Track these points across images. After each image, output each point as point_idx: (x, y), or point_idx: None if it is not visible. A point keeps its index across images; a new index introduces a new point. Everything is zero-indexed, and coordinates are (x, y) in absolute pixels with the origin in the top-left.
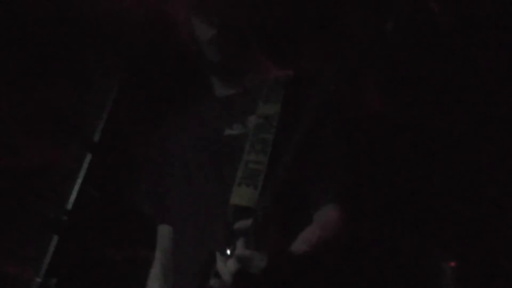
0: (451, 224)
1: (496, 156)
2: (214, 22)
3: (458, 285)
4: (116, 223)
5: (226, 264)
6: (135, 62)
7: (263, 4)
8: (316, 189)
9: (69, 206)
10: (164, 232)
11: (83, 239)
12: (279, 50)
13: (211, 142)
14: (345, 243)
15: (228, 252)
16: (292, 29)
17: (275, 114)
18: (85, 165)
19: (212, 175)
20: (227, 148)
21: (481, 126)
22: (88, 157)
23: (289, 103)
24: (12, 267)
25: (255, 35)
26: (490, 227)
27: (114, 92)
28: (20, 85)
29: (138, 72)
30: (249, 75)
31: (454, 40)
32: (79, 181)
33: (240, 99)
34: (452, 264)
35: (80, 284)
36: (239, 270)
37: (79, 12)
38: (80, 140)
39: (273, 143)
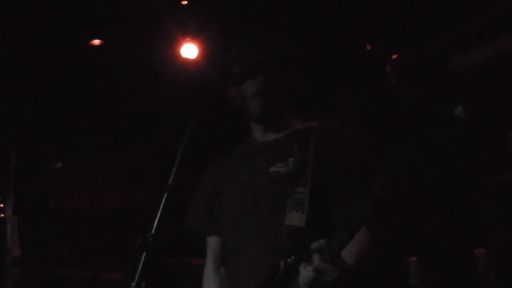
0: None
1: None
2: (257, 80)
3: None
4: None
5: (306, 272)
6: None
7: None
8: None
9: (153, 231)
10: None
11: (161, 254)
12: (307, 107)
13: (260, 176)
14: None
15: (289, 261)
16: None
17: (309, 158)
18: (163, 201)
19: (259, 202)
20: (277, 181)
21: None
22: (165, 195)
23: (319, 149)
24: (117, 275)
25: (291, 95)
26: None
27: (184, 145)
28: (115, 150)
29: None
30: (285, 125)
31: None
32: (159, 212)
33: (279, 145)
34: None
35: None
36: (315, 278)
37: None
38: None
39: (311, 178)
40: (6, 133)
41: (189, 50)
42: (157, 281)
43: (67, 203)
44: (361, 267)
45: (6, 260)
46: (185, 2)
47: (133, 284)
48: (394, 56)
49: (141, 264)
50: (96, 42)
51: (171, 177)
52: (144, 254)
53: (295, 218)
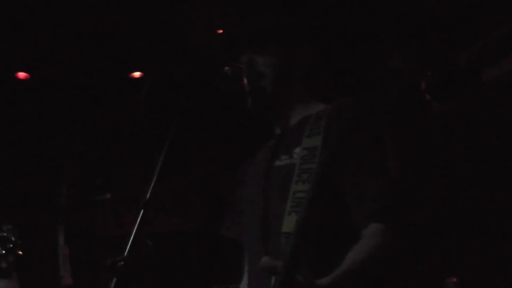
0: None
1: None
2: (266, 57)
3: None
4: None
5: None
6: None
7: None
8: (361, 210)
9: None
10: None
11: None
12: (319, 89)
13: (265, 172)
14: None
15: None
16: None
17: (318, 146)
18: (139, 219)
19: (265, 204)
20: (278, 177)
21: None
22: (141, 212)
23: (329, 134)
24: None
25: (301, 80)
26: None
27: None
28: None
29: None
30: (294, 114)
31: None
32: (134, 231)
33: (288, 134)
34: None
35: None
36: None
37: None
38: None
39: (316, 172)
40: (57, 166)
41: None
42: None
43: (116, 231)
44: (355, 282)
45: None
46: None
47: None
48: (429, 72)
49: None
50: (137, 74)
51: (149, 192)
52: (114, 279)
53: (290, 223)
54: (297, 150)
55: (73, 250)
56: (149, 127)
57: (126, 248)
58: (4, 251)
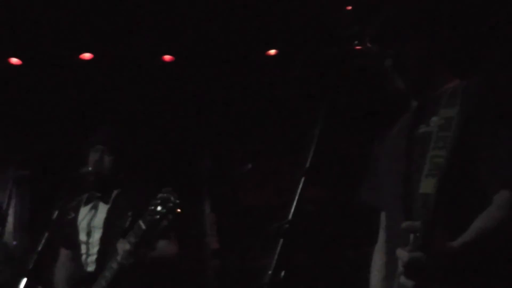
0: None
1: None
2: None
3: None
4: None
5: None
6: None
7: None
8: (494, 177)
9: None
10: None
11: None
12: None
13: (405, 140)
14: None
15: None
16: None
17: (454, 116)
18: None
19: (404, 168)
20: (417, 144)
21: None
22: (302, 180)
23: (465, 105)
24: (256, 262)
25: (436, 55)
26: None
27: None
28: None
29: None
30: (431, 88)
31: None
32: (296, 197)
33: (425, 106)
34: None
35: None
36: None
37: None
38: None
39: (453, 139)
40: (202, 141)
41: None
42: None
43: (256, 201)
44: (483, 248)
45: (207, 252)
46: None
47: (269, 272)
48: None
49: (277, 251)
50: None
51: (308, 161)
52: (281, 241)
53: (428, 185)
54: (434, 119)
55: (219, 218)
56: (302, 101)
57: (289, 213)
58: (165, 210)
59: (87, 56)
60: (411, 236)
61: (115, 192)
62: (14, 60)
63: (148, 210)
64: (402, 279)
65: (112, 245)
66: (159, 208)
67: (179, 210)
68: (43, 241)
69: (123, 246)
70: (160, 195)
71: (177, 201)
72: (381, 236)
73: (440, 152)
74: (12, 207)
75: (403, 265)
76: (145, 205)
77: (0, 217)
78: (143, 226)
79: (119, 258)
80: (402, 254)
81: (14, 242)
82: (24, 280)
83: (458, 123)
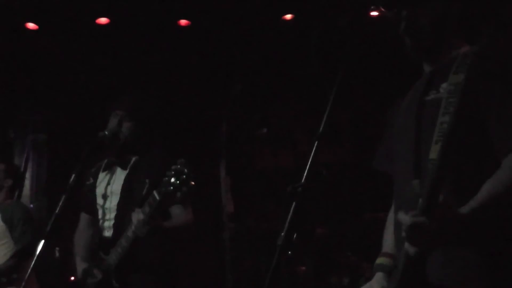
0: None
1: None
2: (402, 16)
3: None
4: None
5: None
6: None
7: None
8: (503, 140)
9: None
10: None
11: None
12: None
13: (417, 106)
14: None
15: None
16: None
17: (462, 81)
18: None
19: (415, 134)
20: (428, 110)
21: None
22: (316, 143)
23: (473, 70)
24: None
25: (449, 21)
26: None
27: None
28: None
29: None
30: (443, 54)
31: None
32: (309, 161)
33: (437, 72)
34: None
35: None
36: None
37: None
38: None
39: (459, 105)
40: (218, 105)
41: None
42: None
43: (272, 164)
44: (492, 213)
45: (223, 215)
46: None
47: (282, 233)
48: None
49: (290, 214)
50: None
51: (322, 125)
52: (294, 204)
53: (436, 151)
54: (444, 85)
55: (234, 181)
56: (319, 69)
57: (303, 176)
58: (178, 182)
59: (103, 20)
60: (420, 201)
61: (133, 159)
62: (31, 25)
63: (162, 181)
64: (406, 245)
65: (129, 211)
66: (173, 179)
67: (192, 182)
68: (60, 204)
69: (137, 216)
70: (174, 166)
71: (191, 173)
72: (394, 202)
73: (449, 117)
74: (29, 170)
75: (405, 230)
76: (161, 175)
77: (18, 180)
78: (158, 197)
79: (133, 227)
80: (405, 219)
81: (31, 205)
82: (42, 242)
83: (462, 88)
